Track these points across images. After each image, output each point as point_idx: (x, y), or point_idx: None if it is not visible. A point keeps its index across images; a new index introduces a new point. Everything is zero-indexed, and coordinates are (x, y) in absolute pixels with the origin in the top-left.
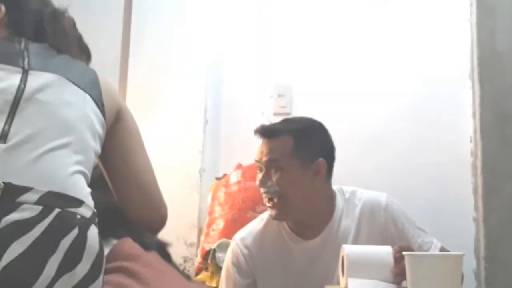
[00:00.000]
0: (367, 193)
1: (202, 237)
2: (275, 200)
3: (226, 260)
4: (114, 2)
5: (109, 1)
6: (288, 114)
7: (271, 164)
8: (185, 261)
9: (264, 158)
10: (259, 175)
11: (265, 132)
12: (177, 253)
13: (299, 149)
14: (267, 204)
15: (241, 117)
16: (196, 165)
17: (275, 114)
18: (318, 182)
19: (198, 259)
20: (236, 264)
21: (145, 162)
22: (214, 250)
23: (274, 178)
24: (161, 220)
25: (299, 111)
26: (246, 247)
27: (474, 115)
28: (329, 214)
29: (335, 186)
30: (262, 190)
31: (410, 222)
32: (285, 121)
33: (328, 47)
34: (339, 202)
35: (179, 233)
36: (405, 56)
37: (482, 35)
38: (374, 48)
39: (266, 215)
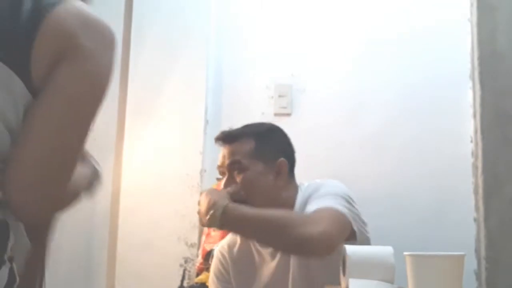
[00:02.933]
0: (315, 181)
1: (203, 238)
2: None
3: (211, 268)
4: (114, 5)
5: (109, 4)
6: (289, 114)
7: (234, 166)
8: (186, 261)
9: (227, 161)
10: (223, 180)
11: (226, 137)
12: (178, 253)
13: (261, 150)
14: None
15: (242, 117)
16: (196, 165)
17: (276, 114)
18: (280, 182)
19: (199, 259)
20: (215, 272)
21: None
22: (214, 251)
23: (238, 180)
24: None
25: (299, 112)
26: (223, 255)
27: (474, 116)
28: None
29: (304, 182)
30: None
31: (320, 191)
32: (245, 126)
33: (329, 47)
34: (299, 198)
35: (180, 233)
36: (405, 56)
37: (483, 35)
38: (375, 48)
39: None
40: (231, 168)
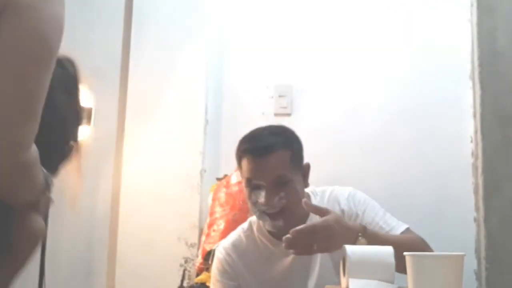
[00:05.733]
0: (335, 189)
1: (203, 238)
2: (279, 212)
3: (212, 268)
4: (114, 5)
5: (109, 4)
6: (289, 114)
7: (278, 180)
8: (186, 261)
9: (268, 176)
10: (260, 194)
11: (261, 149)
12: (178, 253)
13: (297, 159)
14: (266, 218)
15: (242, 117)
16: (196, 165)
17: (276, 114)
18: (306, 184)
19: (199, 259)
20: (220, 270)
21: None
22: (215, 251)
23: (282, 193)
24: None
25: (299, 112)
26: (228, 254)
27: (474, 116)
28: (306, 214)
29: (308, 188)
30: (263, 208)
31: (372, 207)
32: (270, 134)
33: (329, 47)
34: (313, 202)
35: (180, 233)
36: (405, 57)
37: (483, 35)
38: (375, 48)
39: (246, 225)
40: (275, 182)
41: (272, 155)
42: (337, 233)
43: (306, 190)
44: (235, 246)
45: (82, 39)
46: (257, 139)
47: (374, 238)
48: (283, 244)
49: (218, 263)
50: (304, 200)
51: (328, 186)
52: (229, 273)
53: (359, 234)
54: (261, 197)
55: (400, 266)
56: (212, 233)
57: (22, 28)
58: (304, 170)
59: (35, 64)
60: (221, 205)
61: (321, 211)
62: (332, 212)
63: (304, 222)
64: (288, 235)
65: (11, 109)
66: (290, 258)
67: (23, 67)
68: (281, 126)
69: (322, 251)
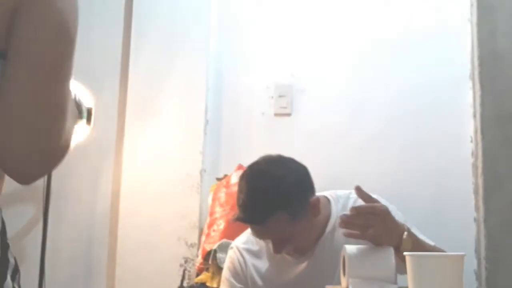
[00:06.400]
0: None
1: (203, 238)
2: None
3: (224, 265)
4: (114, 5)
5: (109, 4)
6: (289, 114)
7: (280, 241)
8: (186, 261)
9: (269, 238)
10: (268, 243)
11: (255, 221)
12: (178, 253)
13: (295, 212)
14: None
15: (242, 117)
16: (196, 165)
17: (276, 114)
18: (317, 212)
19: (199, 259)
20: (231, 270)
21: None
22: (215, 251)
23: (289, 242)
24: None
25: (299, 112)
26: (241, 254)
27: (474, 115)
28: (325, 222)
29: (328, 192)
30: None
31: (398, 218)
32: (263, 198)
33: (328, 47)
34: (334, 209)
35: (180, 233)
36: (405, 57)
37: (483, 35)
38: (375, 48)
39: None
40: (277, 242)
41: (267, 224)
42: (390, 222)
43: (325, 193)
44: (249, 246)
45: (82, 39)
46: (250, 209)
47: (415, 240)
48: (339, 222)
49: (230, 262)
50: (356, 186)
51: (351, 190)
52: (239, 275)
53: (405, 231)
54: (270, 247)
55: None
56: (212, 233)
57: (45, 22)
58: (313, 207)
59: (64, 58)
60: (221, 205)
61: (371, 200)
62: (381, 203)
63: (317, 232)
64: (345, 212)
65: (51, 112)
66: (303, 265)
67: (54, 63)
68: (274, 174)
69: (374, 239)
